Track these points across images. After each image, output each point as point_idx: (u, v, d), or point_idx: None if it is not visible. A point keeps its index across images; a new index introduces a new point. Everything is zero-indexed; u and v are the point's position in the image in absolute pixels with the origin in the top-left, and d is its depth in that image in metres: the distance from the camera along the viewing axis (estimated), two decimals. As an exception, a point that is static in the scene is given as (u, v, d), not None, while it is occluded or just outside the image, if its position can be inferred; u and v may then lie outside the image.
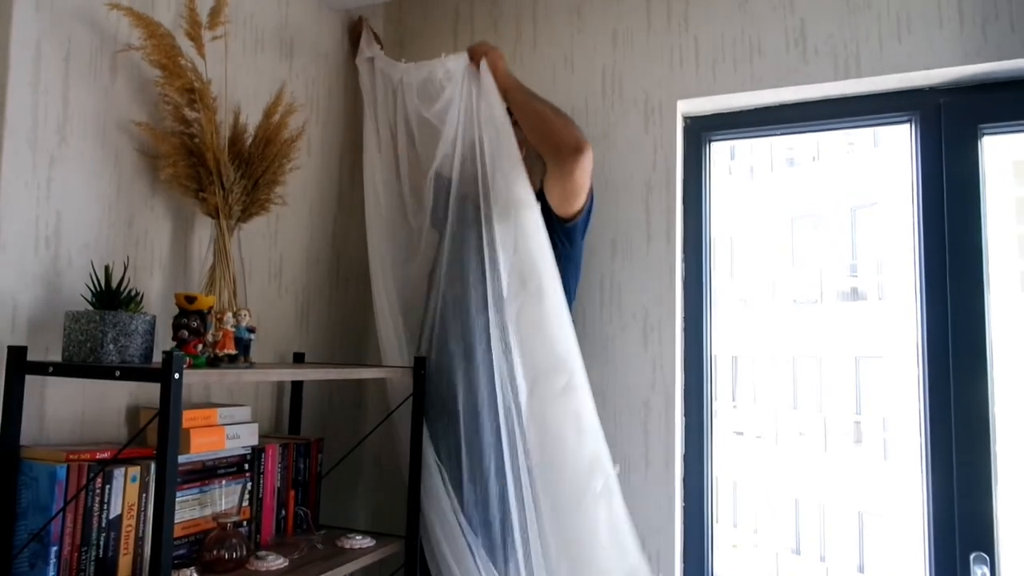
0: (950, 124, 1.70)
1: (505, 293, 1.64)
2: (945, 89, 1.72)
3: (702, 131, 1.93)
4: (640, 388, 1.84)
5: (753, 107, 1.88)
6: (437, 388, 1.70)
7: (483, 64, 1.72)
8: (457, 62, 1.75)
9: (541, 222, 1.63)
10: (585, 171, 1.61)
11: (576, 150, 1.58)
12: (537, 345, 1.63)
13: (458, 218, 1.73)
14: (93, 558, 1.19)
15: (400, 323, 1.83)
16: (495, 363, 1.62)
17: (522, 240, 1.63)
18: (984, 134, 1.68)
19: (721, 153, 1.99)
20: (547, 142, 1.64)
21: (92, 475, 1.18)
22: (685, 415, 1.87)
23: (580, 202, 1.65)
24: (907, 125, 1.77)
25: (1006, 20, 1.59)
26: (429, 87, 1.80)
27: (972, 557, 1.58)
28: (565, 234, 1.68)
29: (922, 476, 1.66)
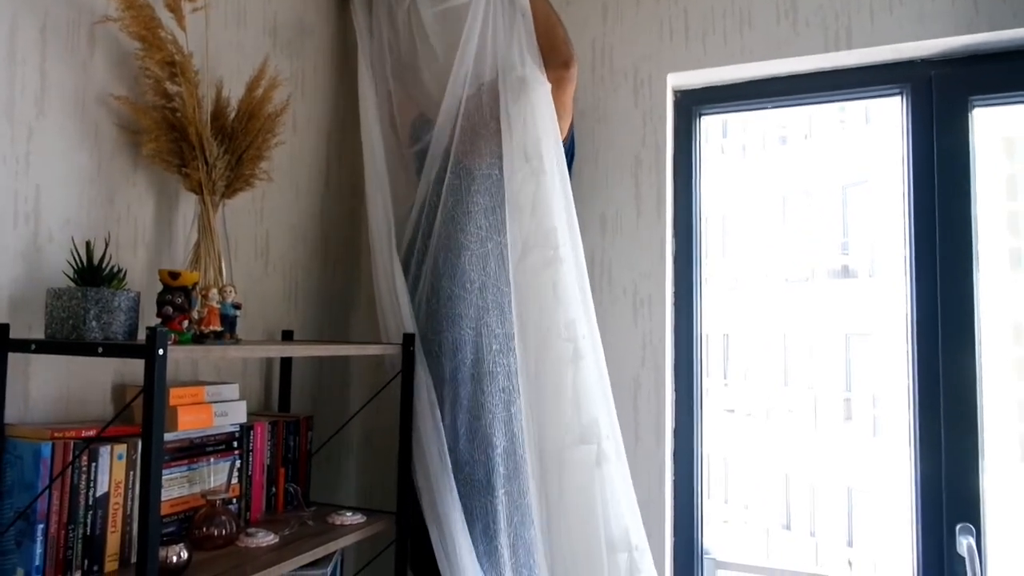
0: (941, 96, 1.69)
1: (506, 177, 1.66)
2: (936, 61, 1.71)
3: (693, 105, 1.92)
4: (630, 363, 1.83)
5: (744, 80, 1.87)
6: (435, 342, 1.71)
7: None
8: None
9: (550, 99, 1.66)
10: (572, 85, 1.70)
11: (569, 60, 1.68)
12: (527, 217, 1.64)
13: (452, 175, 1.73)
14: (80, 536, 1.19)
15: (405, 292, 1.76)
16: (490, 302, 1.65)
17: (531, 116, 1.65)
18: (975, 106, 1.67)
19: (713, 131, 1.98)
20: (548, 44, 1.69)
21: (77, 452, 1.17)
22: (675, 391, 1.87)
23: (564, 126, 1.69)
24: (898, 98, 1.76)
25: (998, -10, 1.58)
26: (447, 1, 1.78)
27: (958, 528, 1.59)
28: None
29: (910, 451, 1.68)
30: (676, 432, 1.86)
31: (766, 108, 1.89)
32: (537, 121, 1.64)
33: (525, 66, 1.67)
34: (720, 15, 1.81)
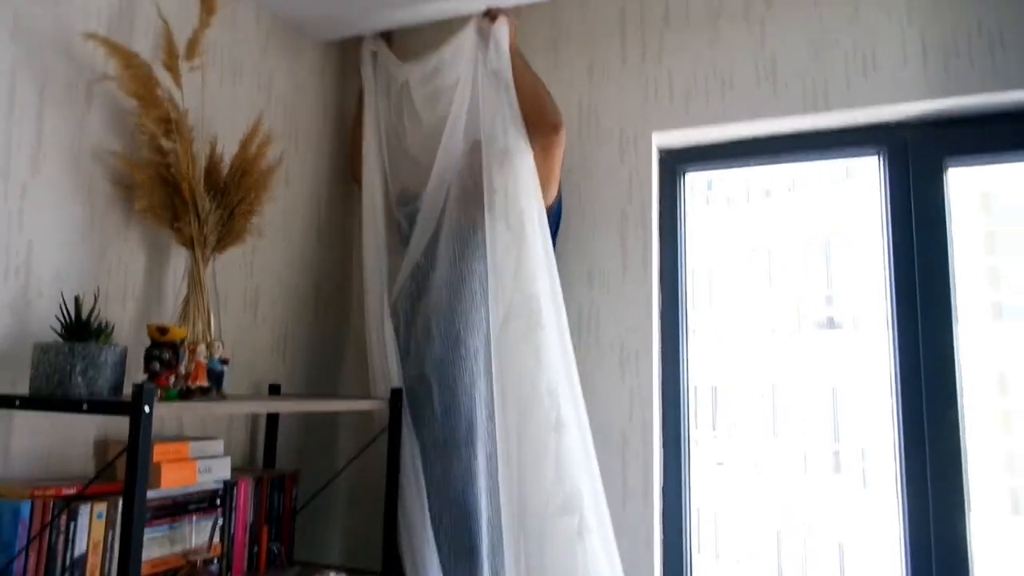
0: (917, 158, 1.74)
1: (489, 243, 1.67)
2: (911, 124, 1.76)
3: (677, 163, 1.96)
4: (617, 419, 1.83)
5: (726, 140, 1.92)
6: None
7: (500, 22, 1.78)
8: (465, 34, 1.80)
9: (533, 167, 1.69)
10: (561, 149, 1.73)
11: (557, 126, 1.72)
12: (509, 283, 1.65)
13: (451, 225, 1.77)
14: (56, 598, 1.15)
15: (395, 349, 1.78)
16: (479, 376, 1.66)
17: (513, 185, 1.68)
18: (949, 167, 1.72)
19: (699, 183, 2.04)
20: (535, 111, 1.73)
21: (56, 512, 1.15)
22: (663, 446, 1.86)
23: (553, 190, 1.72)
24: (875, 158, 1.81)
25: (966, 57, 1.65)
26: (436, 81, 1.85)
27: (949, 586, 1.58)
28: None
29: (898, 505, 1.67)
30: (665, 488, 1.85)
31: (748, 166, 1.94)
32: (520, 189, 1.67)
33: (508, 136, 1.71)
34: (703, 77, 1.87)
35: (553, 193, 1.74)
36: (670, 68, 1.91)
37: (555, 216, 1.74)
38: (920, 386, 1.67)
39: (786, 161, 1.90)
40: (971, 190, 1.81)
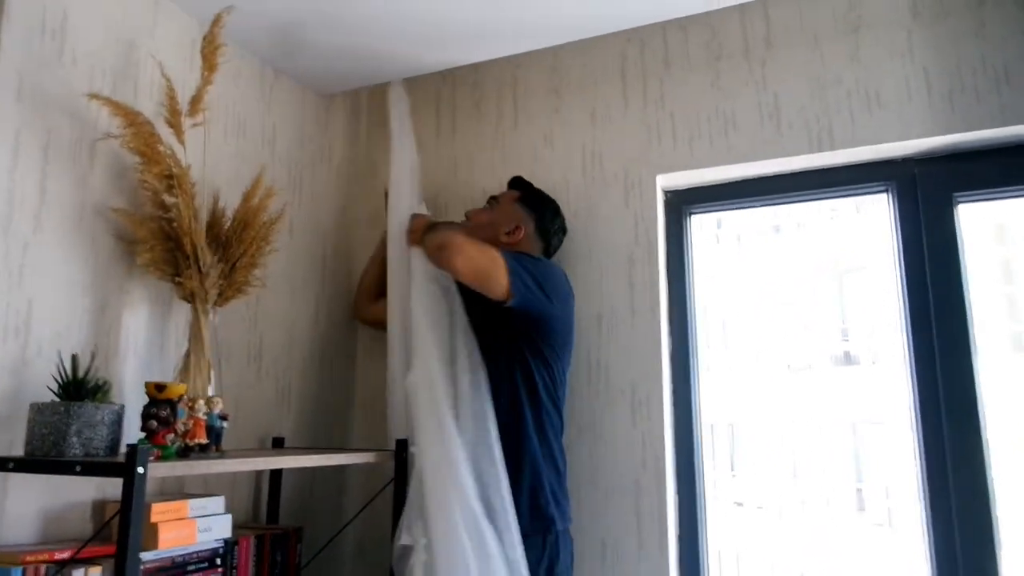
0: (926, 193, 1.72)
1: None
2: (919, 159, 1.74)
3: (682, 204, 1.95)
4: (630, 466, 1.78)
5: (731, 180, 1.90)
6: None
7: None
8: None
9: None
10: (454, 260, 1.61)
11: (435, 249, 1.66)
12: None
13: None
14: (48, 669, 1.12)
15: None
16: None
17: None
18: (959, 202, 1.69)
19: (708, 222, 2.02)
20: (483, 286, 1.63)
21: (49, 578, 1.12)
22: (678, 492, 1.81)
23: (491, 290, 1.60)
24: (884, 195, 1.79)
25: (971, 92, 1.63)
26: None
27: (983, 640, 1.50)
28: (501, 315, 1.64)
29: (924, 544, 1.61)
30: (681, 532, 1.78)
31: (754, 207, 1.92)
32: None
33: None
34: (705, 118, 1.87)
35: (492, 290, 1.60)
36: (672, 110, 1.91)
37: (519, 302, 1.61)
38: (941, 420, 1.61)
39: (793, 201, 1.88)
40: (986, 221, 1.77)
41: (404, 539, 1.51)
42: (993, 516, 1.54)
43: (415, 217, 1.84)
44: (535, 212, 1.80)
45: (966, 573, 1.54)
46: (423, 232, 1.77)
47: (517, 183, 1.86)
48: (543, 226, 1.80)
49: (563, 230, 1.85)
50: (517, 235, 1.75)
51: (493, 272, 1.59)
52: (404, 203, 1.89)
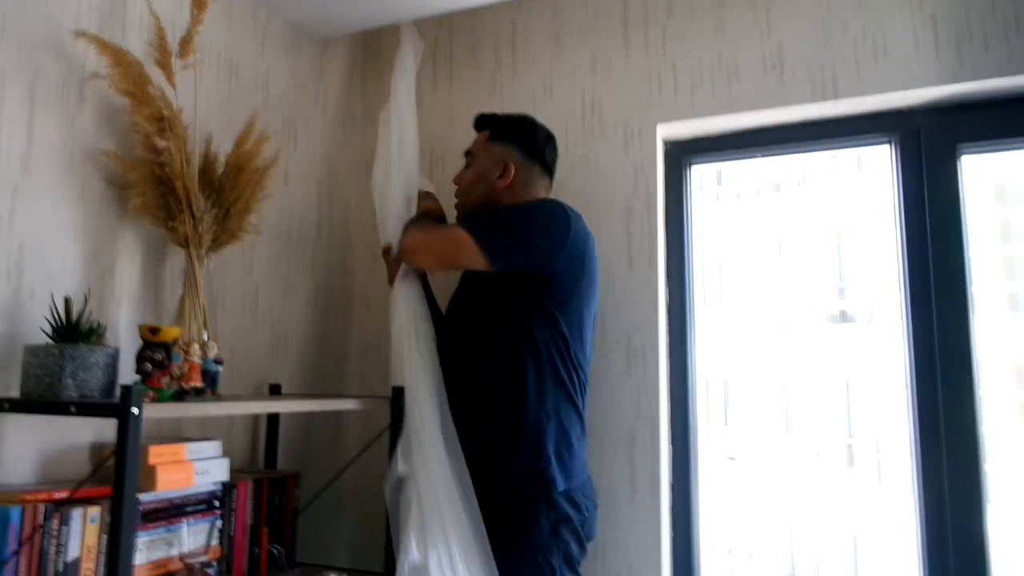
0: (929, 144, 1.69)
1: None
2: (923, 110, 1.71)
3: (682, 155, 1.92)
4: (625, 415, 1.80)
5: (732, 130, 1.88)
6: None
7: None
8: None
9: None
10: (419, 260, 1.63)
11: (404, 256, 1.63)
12: None
13: None
14: (50, 604, 1.14)
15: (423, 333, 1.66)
16: None
17: None
18: (963, 153, 1.67)
19: (708, 178, 2.00)
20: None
21: (47, 516, 1.13)
22: (672, 442, 1.83)
23: (472, 267, 1.58)
24: (887, 146, 1.76)
25: (980, 41, 1.59)
26: None
27: (967, 585, 1.53)
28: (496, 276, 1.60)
29: (914, 500, 1.63)
30: (673, 484, 1.81)
31: (755, 157, 1.89)
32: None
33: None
34: (708, 67, 1.83)
35: (468, 264, 1.59)
36: (674, 59, 1.87)
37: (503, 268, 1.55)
38: (936, 378, 1.62)
39: (795, 151, 1.86)
40: (986, 181, 1.75)
41: (400, 469, 1.50)
42: (982, 473, 1.56)
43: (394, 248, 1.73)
44: (512, 140, 1.67)
45: (954, 527, 1.57)
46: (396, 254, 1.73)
47: (480, 122, 1.74)
48: (527, 148, 1.67)
49: (549, 137, 1.72)
50: (509, 174, 1.64)
51: (461, 253, 1.54)
52: (407, 166, 1.75)
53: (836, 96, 1.71)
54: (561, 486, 1.50)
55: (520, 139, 1.67)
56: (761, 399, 1.98)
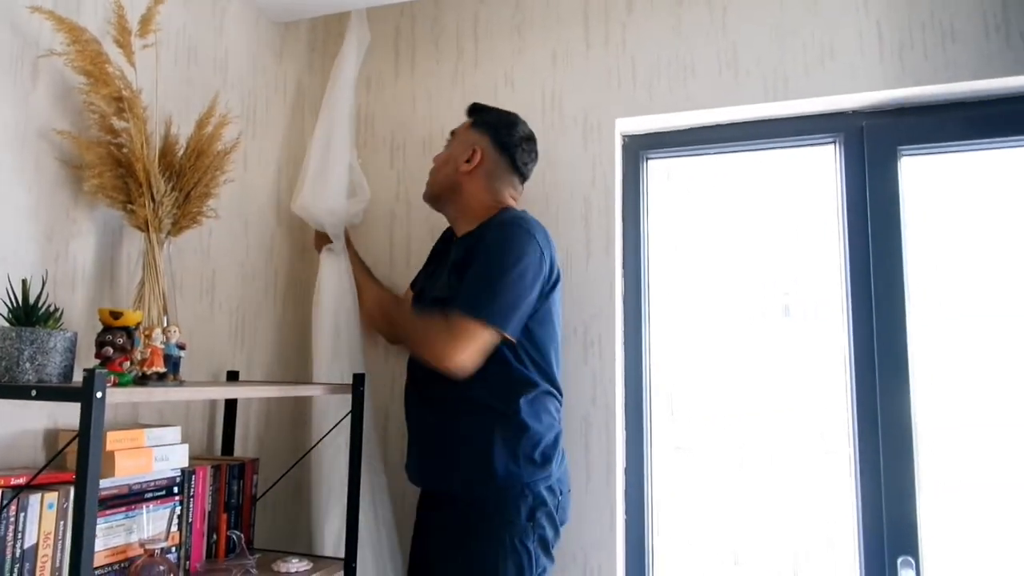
0: (872, 146, 1.78)
1: None
2: (867, 112, 1.80)
3: (640, 149, 1.98)
4: (581, 403, 1.84)
5: (688, 127, 1.94)
6: None
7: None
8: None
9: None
10: (460, 365, 1.50)
11: (445, 366, 1.51)
12: None
13: None
14: (5, 591, 1.12)
15: (342, 333, 1.82)
16: None
17: None
18: (903, 155, 1.77)
19: (657, 173, 2.04)
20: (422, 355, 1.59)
21: (5, 502, 1.11)
22: (626, 429, 1.88)
23: (489, 345, 1.53)
24: (832, 146, 1.85)
25: (920, 48, 1.69)
26: None
27: (899, 561, 1.64)
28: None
29: (853, 485, 1.73)
30: (627, 470, 1.87)
31: (709, 154, 1.96)
32: None
33: None
34: (666, 64, 1.88)
35: (491, 344, 1.53)
36: (633, 55, 1.91)
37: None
38: (874, 369, 1.71)
39: (746, 149, 1.93)
40: (930, 177, 1.85)
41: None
42: (915, 460, 1.66)
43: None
44: (489, 130, 1.71)
45: (889, 513, 1.66)
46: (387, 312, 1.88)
47: (472, 110, 1.80)
48: (500, 141, 1.70)
49: (527, 139, 1.74)
50: (475, 159, 1.68)
51: (472, 342, 1.48)
52: (338, 149, 1.91)
53: (786, 96, 1.78)
54: (532, 477, 1.53)
55: (496, 131, 1.72)
56: (708, 391, 2.05)
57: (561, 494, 1.59)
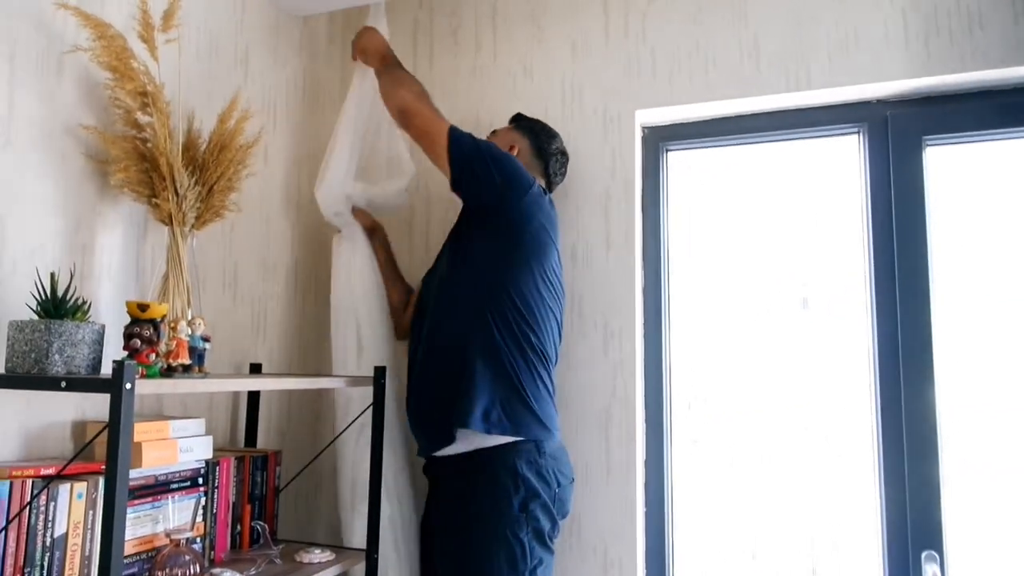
0: (896, 136, 1.76)
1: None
2: (892, 102, 1.78)
3: (660, 141, 1.96)
4: (601, 396, 1.84)
5: (708, 118, 1.92)
6: None
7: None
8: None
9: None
10: (405, 121, 1.69)
11: (396, 112, 1.71)
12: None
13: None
14: (37, 579, 1.14)
15: (362, 326, 1.81)
16: None
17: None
18: (928, 145, 1.74)
19: (677, 165, 2.02)
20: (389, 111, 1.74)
21: (36, 492, 1.13)
22: (646, 422, 1.88)
23: (434, 159, 1.64)
24: (856, 136, 1.83)
25: (946, 36, 1.66)
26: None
27: (924, 556, 1.62)
28: (467, 220, 1.71)
29: (876, 480, 1.71)
30: (647, 463, 1.87)
31: (730, 145, 1.94)
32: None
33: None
34: (686, 55, 1.87)
35: (436, 156, 1.64)
36: (653, 46, 1.90)
37: (461, 185, 1.63)
38: (898, 364, 1.69)
39: (768, 140, 1.91)
40: (955, 169, 1.82)
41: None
42: (939, 455, 1.64)
43: (367, 31, 1.85)
44: (529, 133, 1.80)
45: (913, 508, 1.64)
46: (383, 68, 1.79)
47: (516, 118, 1.88)
48: (539, 146, 1.78)
49: (562, 154, 1.82)
50: (512, 152, 1.75)
51: (435, 138, 1.61)
52: (348, 137, 1.86)
53: (809, 86, 1.76)
54: (490, 431, 1.51)
55: (537, 136, 1.80)
56: (728, 384, 2.04)
57: (559, 486, 1.57)
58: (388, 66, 1.77)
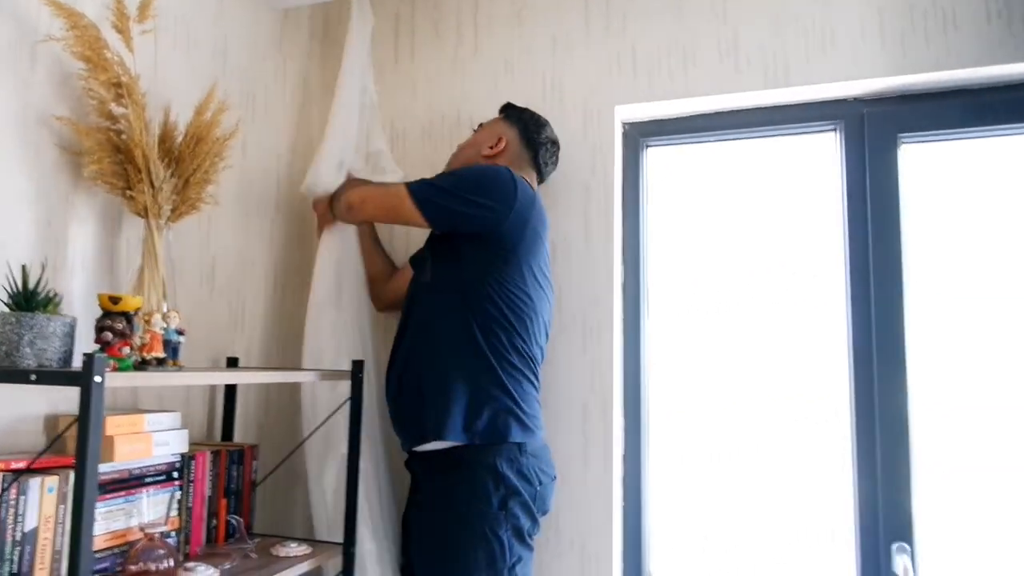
0: (872, 133, 1.78)
1: None
2: (868, 100, 1.80)
3: (640, 136, 1.97)
4: (579, 390, 1.85)
5: (688, 114, 1.93)
6: None
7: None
8: None
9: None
10: (364, 214, 1.75)
11: (345, 212, 1.76)
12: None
13: None
14: (7, 573, 1.13)
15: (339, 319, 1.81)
16: None
17: None
18: (903, 143, 1.76)
19: (657, 160, 2.02)
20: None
21: (6, 486, 1.12)
22: (624, 417, 1.89)
23: (410, 222, 1.65)
24: (832, 133, 1.84)
25: (921, 35, 1.68)
26: None
27: (895, 547, 1.64)
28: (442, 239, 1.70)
29: (849, 473, 1.73)
30: (625, 457, 1.88)
31: (709, 141, 1.95)
32: None
33: None
34: (666, 51, 1.88)
35: (409, 216, 1.64)
36: (634, 42, 1.91)
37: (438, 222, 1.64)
38: (872, 358, 1.72)
39: (746, 136, 1.92)
40: (931, 166, 1.85)
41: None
42: (910, 449, 1.66)
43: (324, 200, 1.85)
44: (518, 123, 1.78)
45: (885, 500, 1.66)
46: (329, 206, 1.81)
47: (505, 107, 1.86)
48: (528, 135, 1.76)
49: (553, 143, 1.79)
50: (499, 146, 1.74)
51: (399, 206, 1.62)
52: (351, 136, 1.88)
53: (787, 84, 1.77)
54: (472, 441, 1.52)
55: (525, 125, 1.78)
56: (705, 378, 2.06)
57: (540, 484, 1.57)
58: (334, 195, 1.81)
